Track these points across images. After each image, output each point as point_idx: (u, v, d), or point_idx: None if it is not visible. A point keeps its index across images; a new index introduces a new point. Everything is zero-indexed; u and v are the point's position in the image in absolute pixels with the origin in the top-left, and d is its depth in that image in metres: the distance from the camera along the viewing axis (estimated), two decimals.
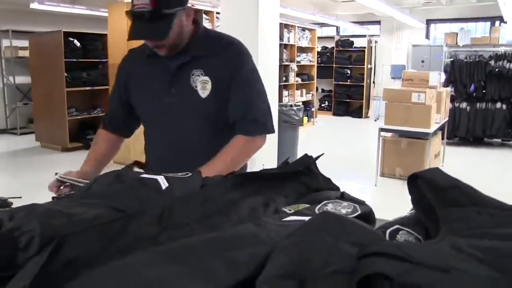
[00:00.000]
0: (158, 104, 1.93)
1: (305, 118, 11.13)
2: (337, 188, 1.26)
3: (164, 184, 1.14)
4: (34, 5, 9.45)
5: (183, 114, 1.90)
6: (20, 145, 9.97)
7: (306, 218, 0.90)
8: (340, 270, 0.68)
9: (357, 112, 14.38)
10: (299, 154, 5.30)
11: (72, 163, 8.30)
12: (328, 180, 1.28)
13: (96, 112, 9.60)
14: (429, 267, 0.59)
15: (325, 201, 1.04)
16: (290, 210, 1.03)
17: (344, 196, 1.15)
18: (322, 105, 15.02)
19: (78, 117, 9.35)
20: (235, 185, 1.14)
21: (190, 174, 1.27)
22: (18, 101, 11.30)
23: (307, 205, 1.07)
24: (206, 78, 1.85)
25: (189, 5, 1.81)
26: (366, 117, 14.26)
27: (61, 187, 1.59)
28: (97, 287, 0.67)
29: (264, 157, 5.44)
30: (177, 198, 1.09)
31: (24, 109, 11.30)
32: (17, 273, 0.76)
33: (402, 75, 7.32)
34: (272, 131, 2.00)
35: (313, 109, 12.93)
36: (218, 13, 8.43)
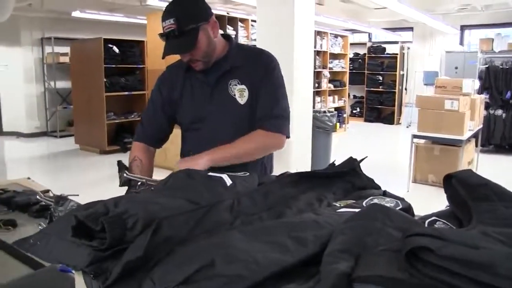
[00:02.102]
0: (202, 112, 2.11)
1: (337, 124, 11.23)
2: (379, 187, 1.43)
3: (228, 181, 1.33)
4: (75, 13, 9.86)
5: (225, 120, 2.08)
6: (60, 148, 10.34)
7: (357, 210, 1.07)
8: (388, 249, 0.86)
9: (389, 118, 14.40)
10: (332, 160, 5.39)
11: (110, 165, 8.64)
12: (371, 180, 1.45)
13: (133, 116, 9.90)
14: (461, 244, 0.75)
15: (370, 197, 1.21)
16: (340, 204, 1.21)
17: (386, 194, 1.32)
18: (354, 111, 15.09)
19: (116, 121, 9.67)
20: (291, 182, 1.33)
21: (248, 174, 1.45)
22: (58, 105, 11.72)
23: (354, 201, 1.24)
24: (243, 86, 2.04)
25: (213, 17, 2.01)
26: (398, 123, 14.26)
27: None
28: (203, 255, 0.86)
29: (299, 162, 5.64)
30: (241, 192, 1.27)
31: (63, 113, 11.72)
32: (126, 248, 0.95)
33: (435, 82, 7.38)
34: (288, 135, 2.12)
35: (344, 115, 13.02)
36: (253, 21, 8.63)
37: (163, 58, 1.94)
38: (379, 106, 14.67)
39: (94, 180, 7.30)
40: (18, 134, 11.60)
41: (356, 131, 12.83)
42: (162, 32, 1.93)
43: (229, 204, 1.14)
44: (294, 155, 5.31)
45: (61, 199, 1.52)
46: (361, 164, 1.49)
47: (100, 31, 10.59)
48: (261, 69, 2.06)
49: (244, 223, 1.08)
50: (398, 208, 1.13)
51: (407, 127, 13.08)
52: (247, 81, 2.05)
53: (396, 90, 14.21)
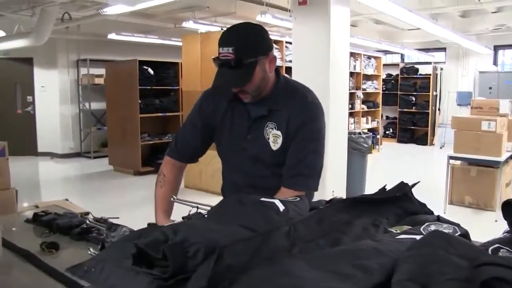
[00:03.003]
0: (235, 147, 2.06)
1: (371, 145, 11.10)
2: (432, 212, 1.42)
3: (281, 206, 1.33)
4: (111, 36, 10.06)
5: (254, 161, 2.02)
6: (94, 169, 10.45)
7: (416, 236, 1.06)
8: (455, 278, 0.85)
9: (422, 139, 14.24)
10: (368, 181, 5.33)
11: (144, 187, 8.66)
12: (423, 204, 1.43)
13: (167, 137, 9.95)
14: None
15: (427, 223, 1.19)
16: (396, 230, 1.19)
17: (440, 219, 1.30)
18: (387, 132, 14.95)
19: (150, 142, 9.72)
20: (344, 208, 1.32)
21: (299, 198, 1.45)
22: (92, 126, 11.90)
23: (410, 226, 1.23)
24: (278, 132, 1.94)
25: (272, 52, 1.93)
26: (431, 144, 14.06)
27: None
28: (269, 285, 0.86)
29: (334, 184, 5.60)
30: (295, 218, 1.27)
31: (97, 134, 11.89)
32: (188, 277, 0.96)
33: (471, 103, 7.26)
34: (312, 190, 2.03)
35: (378, 136, 12.91)
36: (288, 42, 8.66)
37: (213, 87, 1.90)
38: (412, 127, 14.53)
39: (129, 202, 7.35)
40: (52, 155, 11.77)
41: (390, 152, 12.70)
42: (217, 56, 1.83)
43: (286, 231, 1.15)
44: (329, 177, 5.27)
45: (113, 225, 1.54)
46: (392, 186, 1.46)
47: (135, 53, 10.77)
48: (300, 119, 1.95)
49: (302, 250, 1.08)
50: (457, 234, 1.12)
51: (441, 148, 12.93)
52: (283, 127, 1.95)
53: (429, 111, 14.06)
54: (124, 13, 7.90)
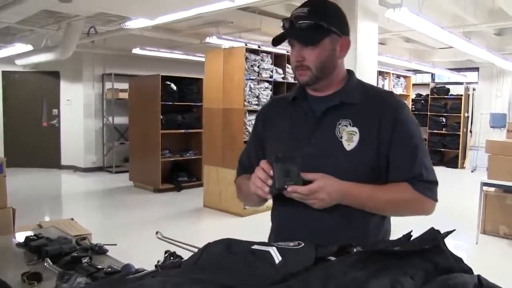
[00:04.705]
0: (298, 152, 1.65)
1: None
2: (469, 270, 1.11)
3: (277, 257, 1.06)
4: (136, 50, 10.00)
5: (322, 167, 1.61)
6: (114, 184, 10.34)
7: None
8: None
9: (452, 162, 13.74)
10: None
11: (163, 204, 8.43)
12: (459, 259, 1.13)
13: (188, 154, 9.78)
14: None
15: None
16: None
17: (482, 283, 1.00)
18: None
19: (171, 159, 9.56)
20: (358, 262, 1.03)
21: (303, 244, 1.17)
22: (115, 141, 11.85)
23: None
24: (355, 129, 1.64)
25: (348, 38, 1.71)
26: (462, 167, 13.57)
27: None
28: None
29: None
30: (293, 274, 0.99)
31: (120, 148, 11.82)
32: None
33: (507, 126, 6.88)
34: (437, 199, 1.74)
35: None
36: None
37: (273, 44, 1.68)
38: (442, 149, 14.08)
39: (144, 220, 7.09)
40: (75, 168, 11.77)
41: None
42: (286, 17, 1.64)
43: None
44: None
45: (66, 274, 1.28)
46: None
47: (158, 68, 10.70)
48: (388, 115, 1.65)
49: None
50: None
51: (472, 171, 12.48)
52: (361, 123, 1.64)
53: (461, 133, 13.61)
54: (147, 27, 7.80)
